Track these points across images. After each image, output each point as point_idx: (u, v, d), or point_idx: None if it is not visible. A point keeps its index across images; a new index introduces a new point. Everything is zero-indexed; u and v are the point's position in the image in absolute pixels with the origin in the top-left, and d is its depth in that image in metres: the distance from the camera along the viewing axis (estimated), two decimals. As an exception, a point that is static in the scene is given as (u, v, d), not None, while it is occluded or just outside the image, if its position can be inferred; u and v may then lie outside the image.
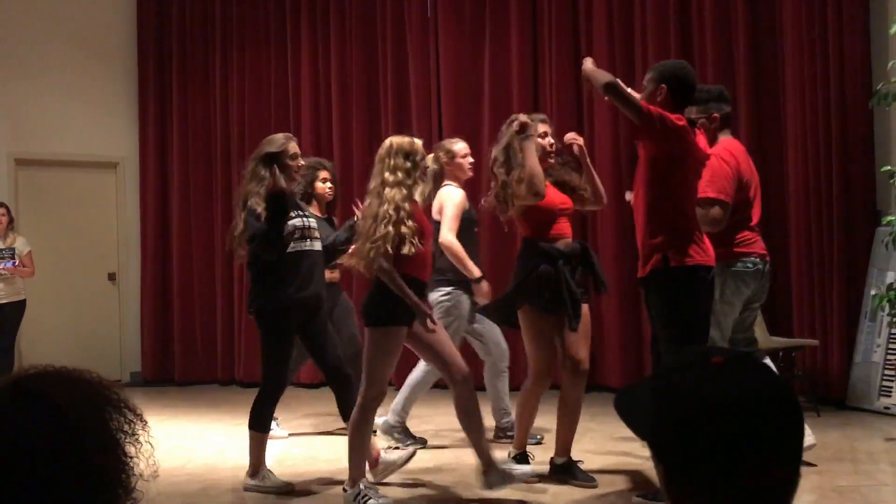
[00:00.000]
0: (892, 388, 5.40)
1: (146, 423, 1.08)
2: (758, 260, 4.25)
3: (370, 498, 3.72)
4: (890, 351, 5.62)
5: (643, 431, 1.12)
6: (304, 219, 4.22)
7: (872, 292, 5.56)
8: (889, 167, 5.06)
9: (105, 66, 8.33)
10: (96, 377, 1.07)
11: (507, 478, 3.79)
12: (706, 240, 3.70)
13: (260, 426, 4.23)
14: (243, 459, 4.94)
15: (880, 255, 5.82)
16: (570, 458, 4.18)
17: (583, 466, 4.22)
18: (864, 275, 5.95)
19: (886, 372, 5.62)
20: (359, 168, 7.11)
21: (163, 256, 8.30)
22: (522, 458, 4.27)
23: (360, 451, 3.81)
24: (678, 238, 3.59)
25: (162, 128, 8.36)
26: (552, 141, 4.27)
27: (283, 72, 8.01)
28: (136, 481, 1.04)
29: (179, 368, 8.16)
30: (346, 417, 4.12)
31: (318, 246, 4.23)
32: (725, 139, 4.38)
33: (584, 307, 4.09)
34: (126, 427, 1.04)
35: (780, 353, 5.80)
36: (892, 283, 4.91)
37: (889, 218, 5.01)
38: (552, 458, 4.21)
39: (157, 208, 8.31)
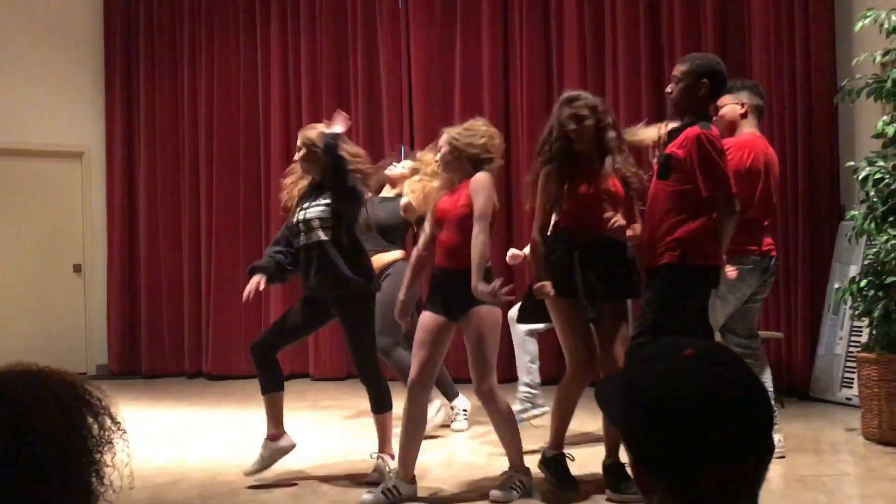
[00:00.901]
0: (853, 379, 5.50)
1: (125, 431, 1.04)
2: (757, 258, 4.27)
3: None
4: (852, 343, 5.73)
5: (616, 420, 1.13)
6: (304, 211, 4.17)
7: (836, 286, 5.65)
8: (852, 163, 5.14)
9: (71, 54, 8.19)
10: (78, 380, 1.02)
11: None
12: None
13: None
14: (211, 452, 4.92)
15: (843, 250, 5.92)
16: (561, 452, 3.93)
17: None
18: (828, 269, 6.05)
19: (848, 364, 5.72)
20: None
21: (129, 247, 8.20)
22: (554, 462, 3.90)
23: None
24: (700, 236, 3.53)
25: (129, 117, 8.25)
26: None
27: (253, 61, 7.94)
28: (107, 489, 1.00)
29: (146, 361, 8.07)
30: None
31: (314, 238, 4.11)
32: (748, 132, 4.38)
33: (626, 303, 4.05)
34: (100, 433, 1.01)
35: (746, 346, 5.88)
36: (854, 277, 4.99)
37: (852, 213, 5.09)
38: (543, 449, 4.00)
39: (124, 199, 8.20)
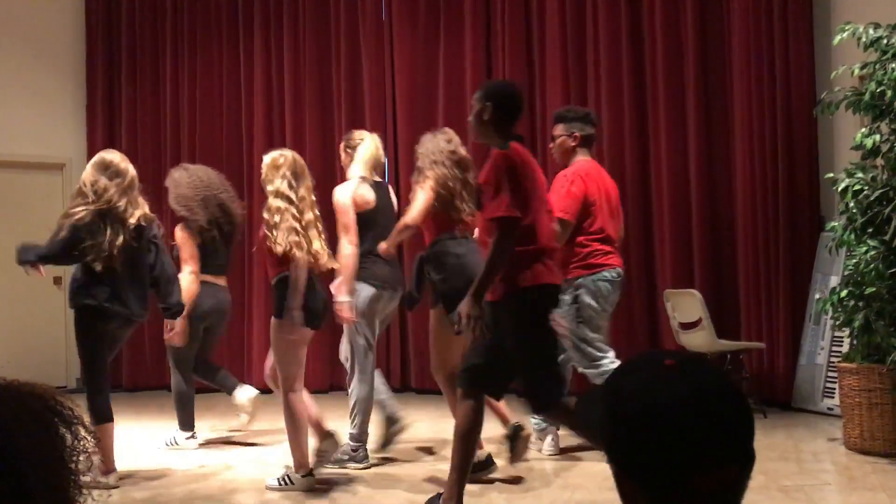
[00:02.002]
0: (835, 389, 5.54)
1: (98, 440, 1.02)
2: (614, 273, 4.66)
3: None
4: (833, 353, 5.77)
5: (597, 433, 1.13)
6: None
7: (816, 296, 5.69)
8: (832, 174, 5.19)
9: (52, 66, 8.15)
10: (49, 392, 1.02)
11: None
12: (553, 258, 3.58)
13: None
14: (192, 465, 4.88)
15: (824, 261, 5.96)
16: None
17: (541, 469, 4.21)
18: (809, 279, 6.09)
19: (829, 374, 5.76)
20: (311, 169, 7.03)
21: (111, 260, 8.12)
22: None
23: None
24: (526, 259, 3.44)
25: (110, 128, 8.20)
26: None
27: (235, 73, 7.93)
28: (86, 500, 0.99)
29: (127, 375, 8.00)
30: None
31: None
32: (582, 159, 4.78)
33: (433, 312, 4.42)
34: (77, 444, 1.00)
35: (728, 356, 5.91)
36: (835, 288, 5.03)
37: (832, 224, 5.13)
38: None
39: (105, 211, 8.14)
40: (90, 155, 8.29)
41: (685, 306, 5.94)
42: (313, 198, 4.24)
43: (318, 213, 4.24)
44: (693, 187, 6.54)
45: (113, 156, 4.50)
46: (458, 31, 7.34)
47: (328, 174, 7.57)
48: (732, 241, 6.45)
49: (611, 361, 4.56)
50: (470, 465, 3.58)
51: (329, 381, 7.49)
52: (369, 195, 4.62)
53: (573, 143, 4.77)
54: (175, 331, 4.82)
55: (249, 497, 4.23)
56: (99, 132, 8.18)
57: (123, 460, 4.86)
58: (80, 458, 1.00)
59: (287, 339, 4.10)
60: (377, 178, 4.80)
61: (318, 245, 4.13)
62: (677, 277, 6.47)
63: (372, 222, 4.59)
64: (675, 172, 6.58)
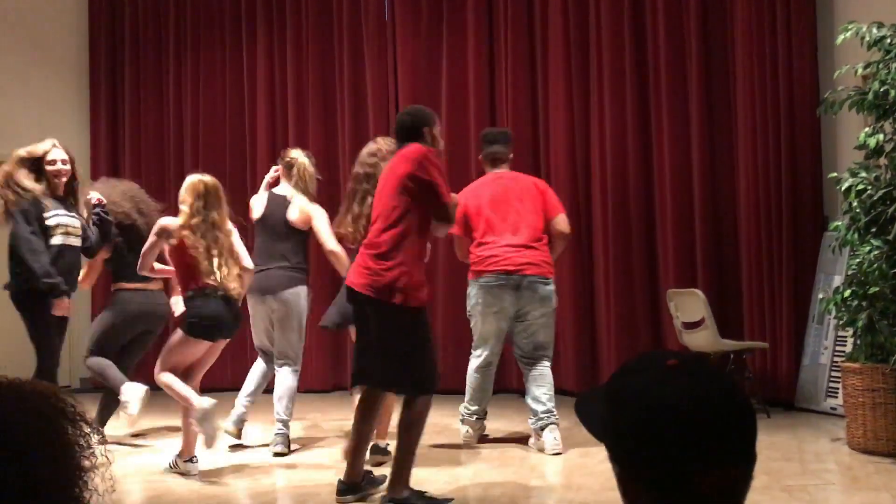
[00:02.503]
0: (838, 389, 5.53)
1: (103, 435, 1.04)
2: (492, 277, 4.92)
3: None
4: (836, 353, 5.76)
5: (598, 433, 1.13)
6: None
7: (819, 296, 5.68)
8: (835, 174, 5.18)
9: (55, 67, 8.17)
10: (51, 389, 1.02)
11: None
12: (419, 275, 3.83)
13: None
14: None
15: (827, 260, 5.96)
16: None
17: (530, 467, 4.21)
18: (812, 279, 6.09)
19: (833, 374, 5.75)
20: (315, 169, 7.03)
21: (114, 260, 8.13)
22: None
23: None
24: (414, 278, 3.76)
25: (113, 128, 8.21)
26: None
27: (238, 72, 7.93)
28: (91, 496, 1.00)
29: (129, 374, 7.98)
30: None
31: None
32: (486, 175, 5.28)
33: None
34: (81, 441, 1.00)
35: (732, 356, 5.91)
36: (838, 287, 5.03)
37: (835, 224, 5.12)
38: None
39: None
40: (93, 155, 8.36)
41: (688, 306, 5.93)
42: (229, 226, 4.50)
43: (232, 239, 4.48)
44: (696, 187, 6.54)
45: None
46: (460, 30, 7.34)
47: (332, 175, 7.58)
48: (735, 240, 6.44)
49: (477, 356, 5.10)
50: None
51: (332, 382, 7.50)
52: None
53: (485, 164, 5.33)
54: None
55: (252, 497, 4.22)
56: (102, 133, 8.20)
57: (125, 460, 4.87)
58: (85, 455, 1.00)
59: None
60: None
61: (226, 271, 4.35)
62: (680, 277, 6.47)
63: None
64: (678, 172, 6.58)
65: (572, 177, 6.91)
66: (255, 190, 7.62)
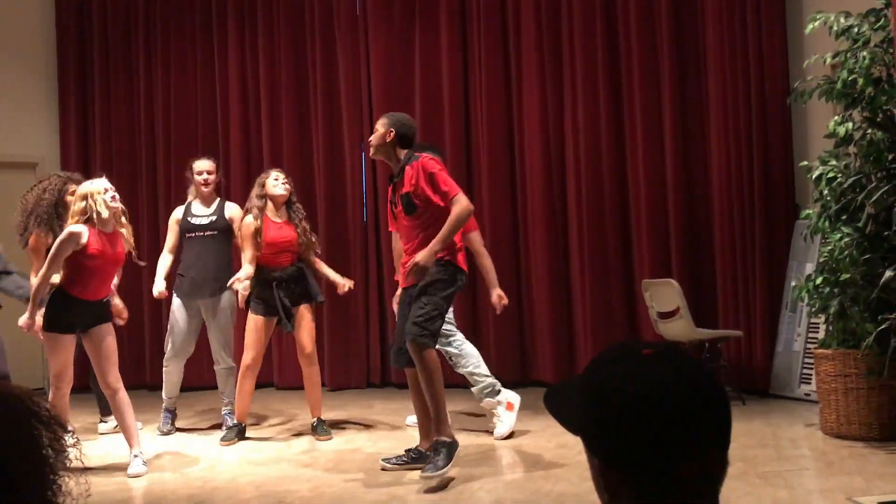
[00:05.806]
0: (811, 375, 5.60)
1: (78, 440, 1.03)
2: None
3: None
4: (809, 340, 5.83)
5: (574, 426, 1.13)
6: None
7: (792, 284, 5.75)
8: (806, 162, 5.23)
9: (23, 63, 8.04)
10: (25, 392, 1.01)
11: None
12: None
13: None
14: (170, 464, 4.86)
15: (799, 248, 6.02)
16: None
17: (515, 457, 4.24)
18: (784, 267, 6.15)
19: (806, 360, 5.82)
20: (288, 169, 7.01)
21: (86, 259, 8.04)
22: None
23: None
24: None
25: (83, 127, 8.10)
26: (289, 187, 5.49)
27: (210, 68, 7.85)
28: (65, 500, 0.99)
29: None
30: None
31: None
32: None
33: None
34: (56, 444, 1.00)
35: (706, 345, 5.96)
36: (810, 275, 5.08)
37: (807, 212, 5.18)
38: None
39: (80, 210, 8.05)
40: (63, 154, 8.24)
41: (663, 296, 5.97)
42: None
43: None
44: (669, 177, 6.58)
45: None
46: (433, 26, 7.31)
47: (305, 167, 7.55)
48: (709, 230, 6.50)
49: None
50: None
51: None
52: None
53: None
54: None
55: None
56: (72, 131, 8.08)
57: (102, 461, 4.83)
58: (59, 457, 1.00)
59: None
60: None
61: None
62: (655, 268, 6.51)
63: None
64: (650, 163, 6.62)
65: (546, 169, 6.93)
66: (227, 185, 7.61)
